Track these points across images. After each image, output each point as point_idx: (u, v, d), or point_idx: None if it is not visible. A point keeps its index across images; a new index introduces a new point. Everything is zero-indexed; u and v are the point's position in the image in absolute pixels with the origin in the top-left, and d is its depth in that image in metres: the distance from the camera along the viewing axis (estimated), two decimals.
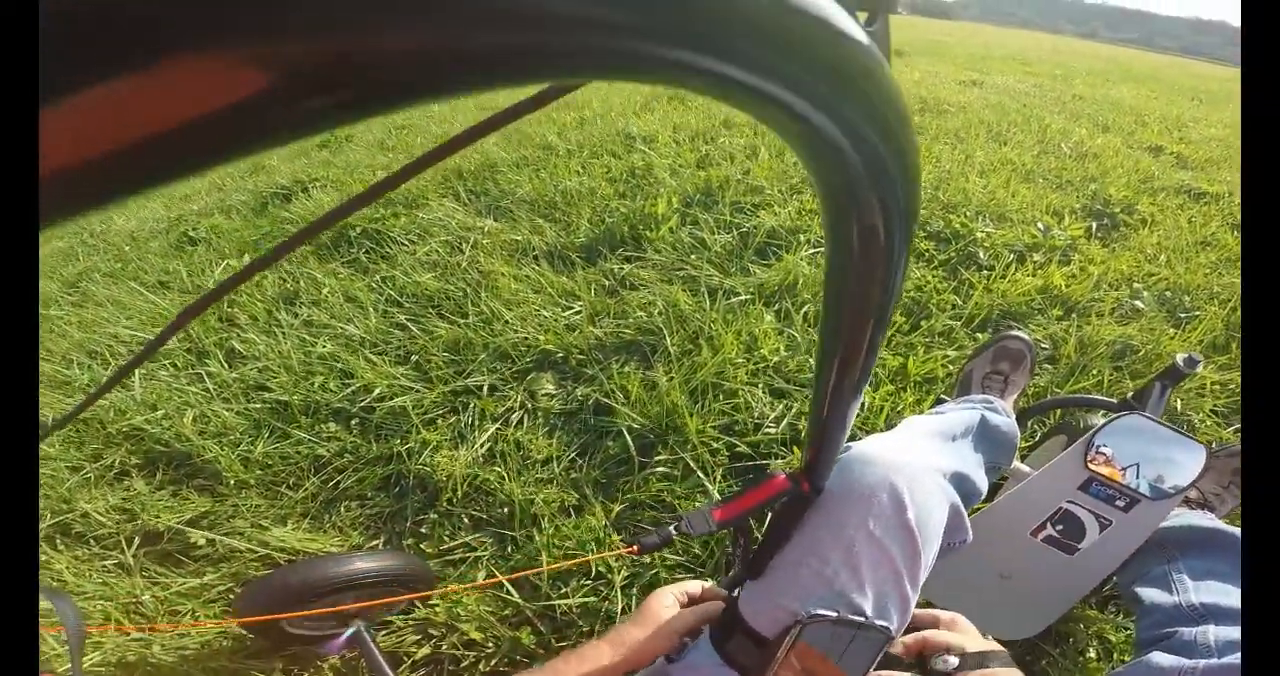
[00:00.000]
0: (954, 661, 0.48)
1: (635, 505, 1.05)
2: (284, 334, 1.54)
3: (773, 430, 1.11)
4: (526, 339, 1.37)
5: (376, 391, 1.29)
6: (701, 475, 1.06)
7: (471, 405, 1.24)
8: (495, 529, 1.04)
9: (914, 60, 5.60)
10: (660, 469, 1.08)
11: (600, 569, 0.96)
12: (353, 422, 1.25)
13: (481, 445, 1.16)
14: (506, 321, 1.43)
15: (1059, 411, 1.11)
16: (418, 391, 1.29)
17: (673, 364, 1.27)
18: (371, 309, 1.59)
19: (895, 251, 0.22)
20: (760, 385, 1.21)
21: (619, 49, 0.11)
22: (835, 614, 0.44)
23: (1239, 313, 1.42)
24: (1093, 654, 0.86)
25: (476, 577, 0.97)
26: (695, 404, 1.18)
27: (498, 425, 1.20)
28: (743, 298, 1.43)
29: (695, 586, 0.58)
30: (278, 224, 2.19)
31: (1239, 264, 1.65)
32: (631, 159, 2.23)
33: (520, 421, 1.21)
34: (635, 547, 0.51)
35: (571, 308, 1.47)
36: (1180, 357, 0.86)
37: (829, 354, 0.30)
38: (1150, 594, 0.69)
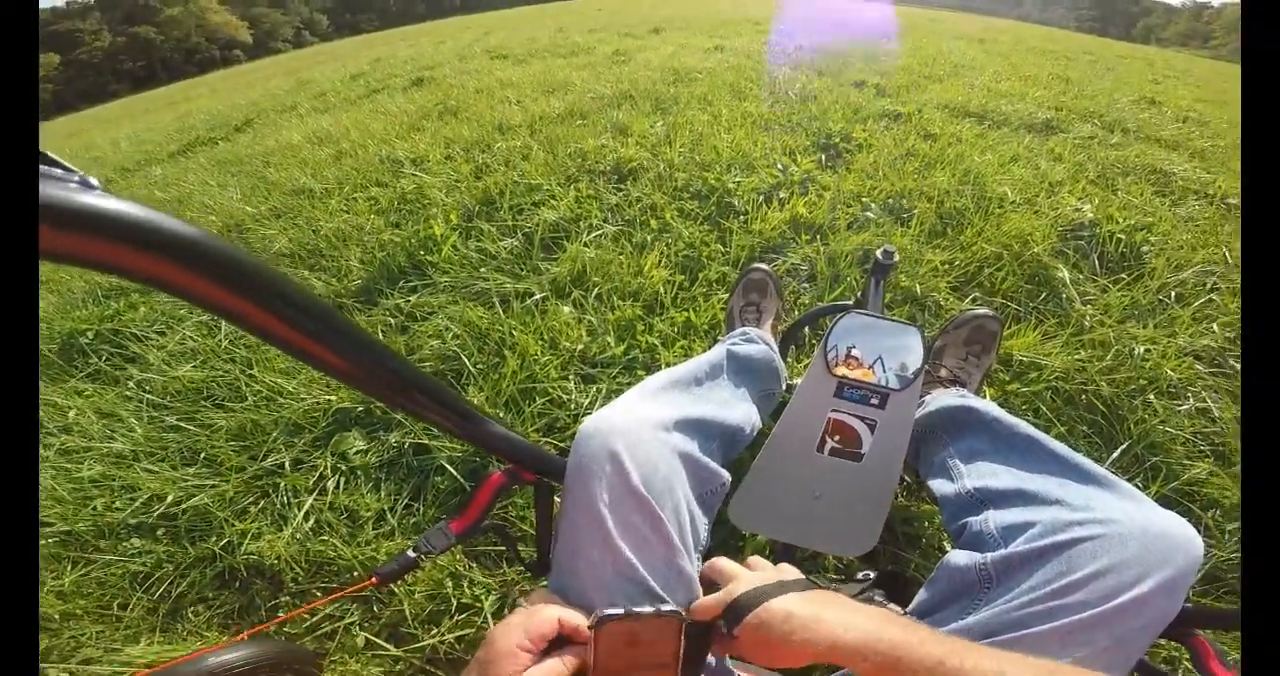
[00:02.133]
0: (723, 624, 0.46)
1: (484, 529, 1.03)
2: (40, 469, 1.27)
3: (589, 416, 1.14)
4: (318, 404, 1.27)
5: (169, 497, 1.15)
6: None
7: (280, 485, 1.14)
8: (354, 594, 0.99)
9: (669, 36, 5.97)
10: None
11: (465, 601, 0.95)
12: (158, 533, 1.12)
13: (304, 520, 1.08)
14: (290, 392, 1.30)
15: (825, 321, 1.24)
16: (215, 486, 1.16)
17: (480, 381, 1.25)
18: (134, 419, 1.36)
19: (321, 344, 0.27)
20: (570, 376, 1.24)
21: None
22: (622, 610, 0.43)
23: (945, 203, 1.73)
24: (946, 546, 0.89)
25: (356, 643, 0.93)
26: (511, 413, 1.18)
27: (314, 496, 1.11)
28: (538, 296, 1.44)
29: (546, 619, 0.45)
30: None
31: (935, 166, 2.01)
32: (400, 185, 2.12)
33: (338, 485, 1.13)
34: (374, 578, 0.49)
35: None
36: (879, 252, 0.95)
37: (414, 413, 0.38)
38: (939, 484, 0.71)
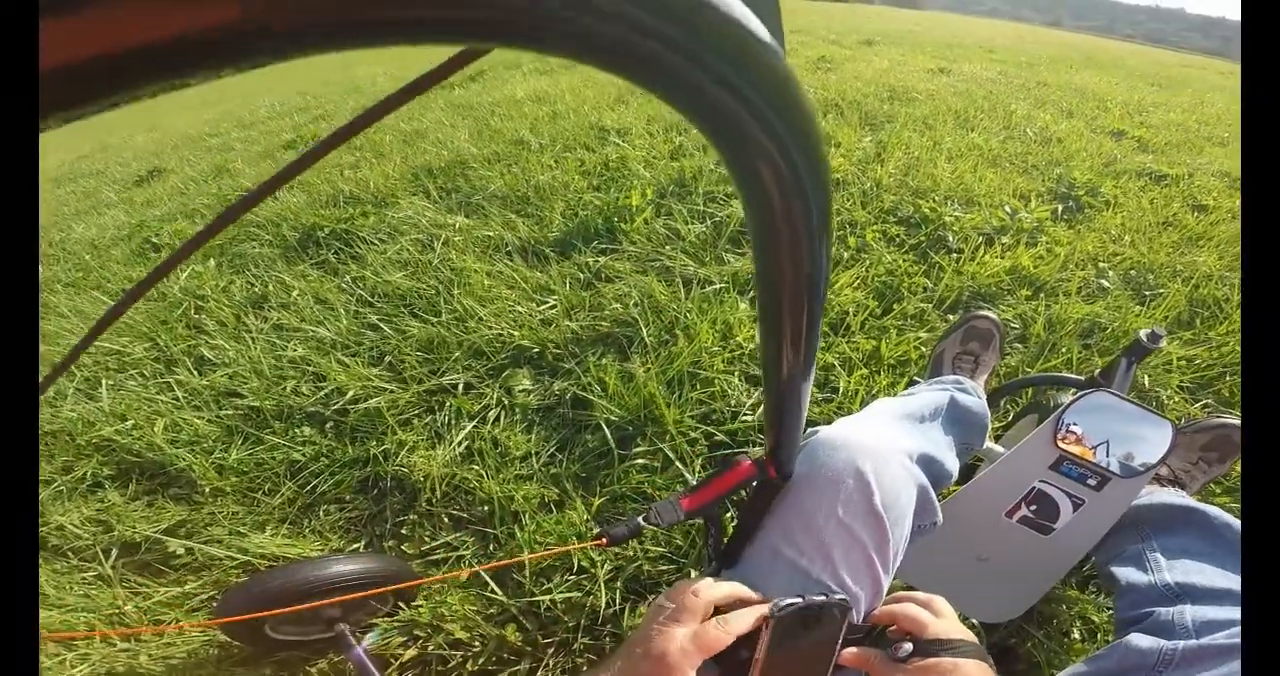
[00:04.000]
0: (907, 648, 0.45)
1: (616, 497, 1.05)
2: (253, 339, 1.51)
3: (749, 417, 1.12)
4: (501, 336, 1.36)
5: (350, 394, 1.27)
6: (680, 465, 1.06)
7: (447, 404, 1.23)
8: (476, 527, 1.03)
9: (883, 50, 5.63)
10: (639, 460, 1.08)
11: (583, 563, 0.95)
12: (327, 426, 1.23)
13: (459, 444, 1.15)
14: (480, 318, 1.42)
15: (1030, 391, 1.12)
16: (392, 392, 1.28)
17: (649, 355, 1.27)
18: (342, 310, 1.56)
19: (814, 224, 0.23)
20: (736, 373, 1.22)
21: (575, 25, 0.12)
22: (801, 599, 0.43)
23: (1202, 289, 1.46)
24: (1076, 634, 0.87)
25: (459, 578, 0.95)
26: (672, 394, 1.19)
27: (474, 423, 1.19)
28: (717, 286, 1.44)
29: (727, 589, 0.45)
30: (242, 227, 2.14)
31: (1199, 243, 1.70)
32: (605, 152, 2.22)
33: (497, 418, 1.20)
34: (604, 539, 0.51)
35: (546, 302, 1.46)
36: (1144, 333, 0.87)
37: (772, 336, 0.30)
38: (1126, 573, 0.69)
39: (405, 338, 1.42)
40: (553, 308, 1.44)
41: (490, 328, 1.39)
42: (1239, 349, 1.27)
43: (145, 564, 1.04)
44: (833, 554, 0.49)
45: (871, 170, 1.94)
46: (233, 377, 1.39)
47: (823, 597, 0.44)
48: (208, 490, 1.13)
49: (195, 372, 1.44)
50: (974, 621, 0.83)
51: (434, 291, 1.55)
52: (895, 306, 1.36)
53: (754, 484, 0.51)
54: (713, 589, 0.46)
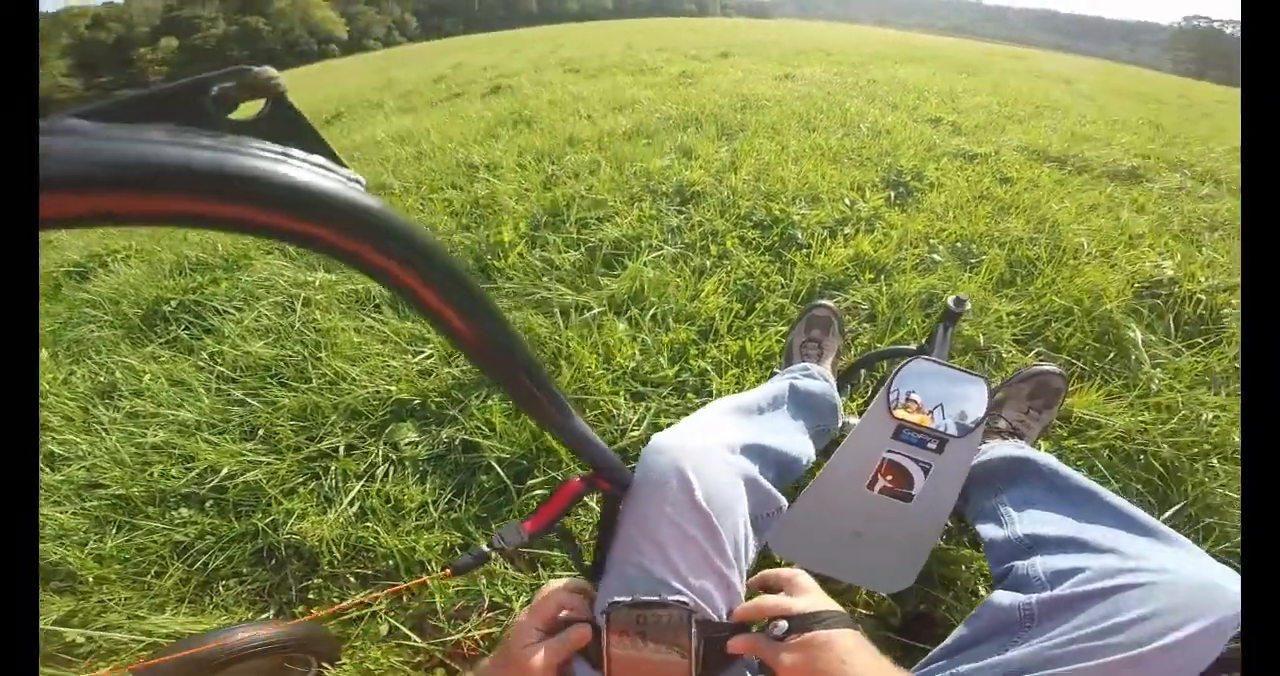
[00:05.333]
0: (783, 625, 0.49)
1: (551, 531, 1.05)
2: (106, 430, 1.36)
3: (636, 433, 1.15)
4: (378, 393, 1.31)
5: (225, 470, 1.20)
6: None
7: (331, 468, 1.18)
8: (385, 582, 1.01)
9: (738, 60, 6.03)
10: (538, 492, 1.09)
11: (496, 599, 0.96)
12: (206, 504, 1.17)
13: (350, 505, 1.11)
14: (354, 378, 1.36)
15: (886, 364, 1.20)
16: (269, 464, 1.21)
17: None
18: (203, 389, 1.44)
19: (458, 301, 0.28)
20: (621, 392, 1.25)
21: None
22: (629, 598, 0.46)
23: (1016, 251, 1.68)
24: (982, 591, 0.90)
25: (380, 631, 0.94)
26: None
27: (363, 482, 1.15)
28: (595, 311, 1.46)
29: (550, 599, 0.53)
30: (77, 308, 1.91)
31: (1009, 211, 1.95)
32: (474, 189, 2.21)
33: (386, 474, 1.17)
34: (449, 571, 0.52)
35: (422, 352, 1.43)
36: (951, 300, 0.97)
37: (513, 393, 0.35)
38: (987, 529, 0.73)
39: (276, 409, 1.34)
40: (429, 357, 1.41)
41: (365, 386, 1.33)
42: (1055, 300, 1.47)
43: (49, 656, 0.96)
44: (669, 552, 0.52)
45: (727, 179, 2.07)
46: (91, 469, 1.26)
47: (654, 598, 0.47)
48: (90, 579, 1.06)
49: (48, 469, 1.29)
50: (882, 594, 0.87)
51: (300, 357, 1.46)
52: (757, 305, 1.45)
53: (603, 498, 0.54)
54: (556, 591, 0.52)
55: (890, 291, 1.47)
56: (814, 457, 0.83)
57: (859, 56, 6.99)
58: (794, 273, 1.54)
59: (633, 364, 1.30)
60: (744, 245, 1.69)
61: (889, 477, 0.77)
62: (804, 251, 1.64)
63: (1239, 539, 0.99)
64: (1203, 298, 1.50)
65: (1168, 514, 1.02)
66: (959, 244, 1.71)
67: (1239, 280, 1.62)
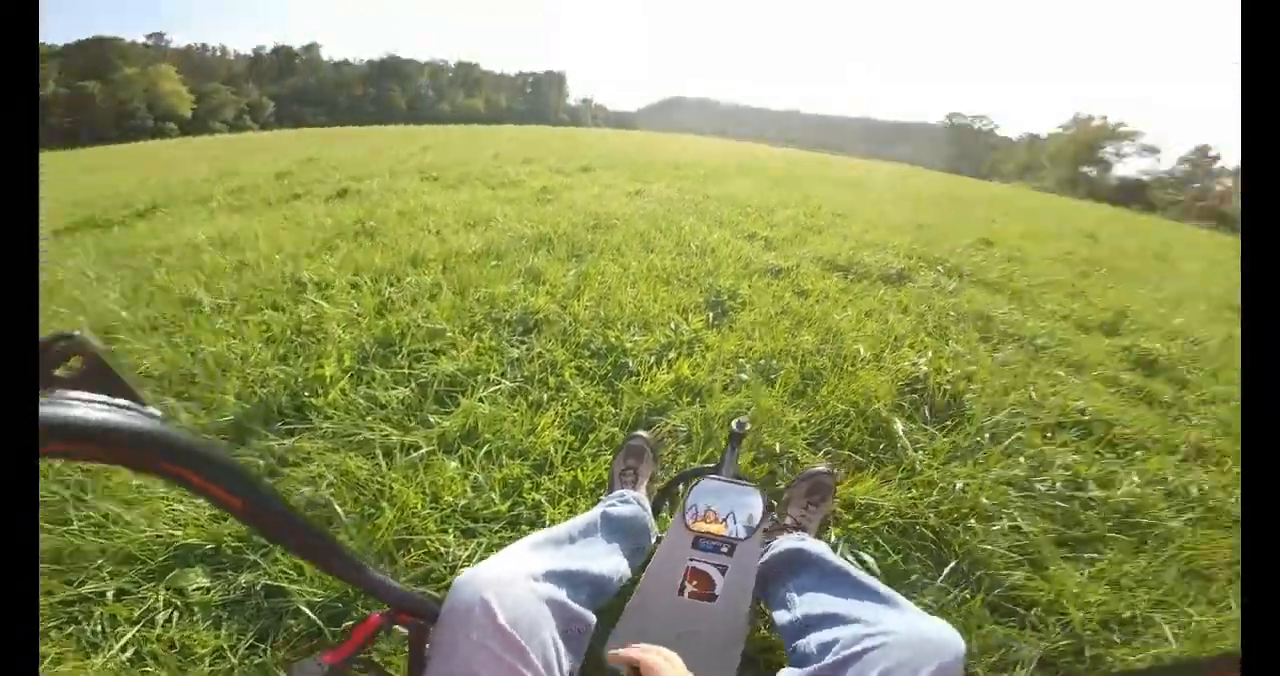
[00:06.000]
0: None
1: (352, 664, 0.97)
2: None
3: (467, 568, 1.14)
4: (159, 536, 1.18)
5: None
6: (402, 629, 1.03)
7: (96, 613, 1.03)
8: None
9: (598, 174, 6.53)
10: None
11: None
12: None
13: (121, 649, 0.98)
14: (127, 522, 1.21)
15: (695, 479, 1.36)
16: None
17: (352, 530, 1.22)
18: None
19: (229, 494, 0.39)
20: (451, 530, 1.23)
21: None
22: None
23: (807, 363, 1.97)
24: None
25: None
26: (382, 564, 1.16)
27: (138, 628, 1.01)
28: (424, 450, 1.44)
29: None
30: None
31: (803, 325, 2.29)
32: (298, 312, 2.10)
33: (169, 619, 1.04)
34: None
35: None
36: (734, 424, 1.17)
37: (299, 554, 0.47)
38: (779, 615, 0.85)
39: None
40: None
41: (142, 530, 1.19)
42: (837, 404, 1.73)
43: None
44: (479, 673, 0.58)
45: (571, 306, 2.20)
46: None
47: None
48: None
49: None
50: None
51: (58, 498, 1.26)
52: (590, 436, 1.53)
53: (410, 630, 0.61)
54: None
55: (704, 412, 1.64)
56: (628, 574, 0.92)
57: (701, 170, 7.96)
58: (624, 401, 1.66)
59: (463, 501, 1.29)
60: (581, 375, 1.79)
61: (694, 582, 0.89)
62: (633, 379, 1.77)
63: (1007, 583, 1.22)
64: (948, 387, 1.87)
65: (945, 572, 1.23)
66: (762, 361, 1.96)
67: (975, 367, 2.05)
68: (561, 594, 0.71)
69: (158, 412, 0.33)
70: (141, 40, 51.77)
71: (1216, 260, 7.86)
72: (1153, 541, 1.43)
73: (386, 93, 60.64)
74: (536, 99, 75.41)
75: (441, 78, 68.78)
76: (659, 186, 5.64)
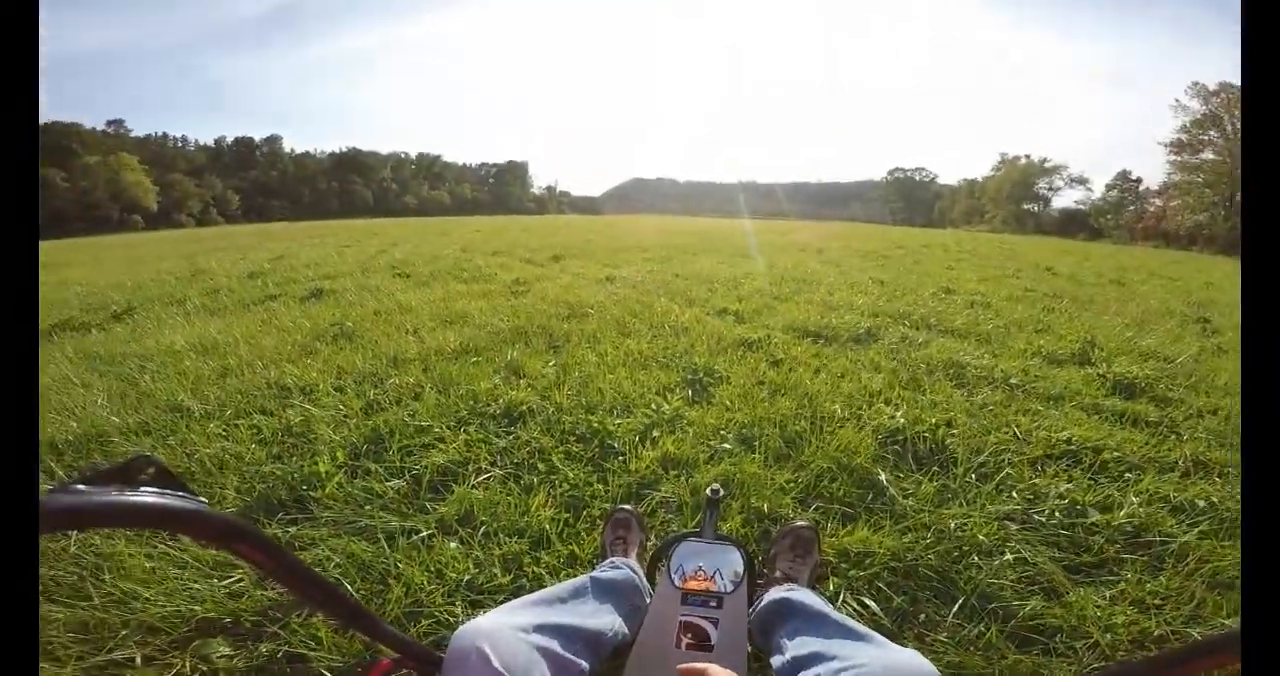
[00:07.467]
0: None
1: None
2: None
3: None
4: (178, 611, 1.20)
5: None
6: None
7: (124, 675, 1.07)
8: None
9: (569, 263, 6.81)
10: None
11: None
12: None
13: None
14: (147, 598, 1.24)
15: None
16: (45, 667, 1.08)
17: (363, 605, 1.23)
18: None
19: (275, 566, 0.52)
20: (458, 601, 1.26)
21: None
22: None
23: (788, 427, 2.04)
24: None
25: None
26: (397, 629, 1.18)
27: None
28: (425, 534, 1.47)
29: None
30: None
31: (780, 392, 2.40)
32: (287, 416, 2.12)
33: None
34: None
35: (230, 576, 1.32)
36: (709, 490, 1.25)
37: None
38: (775, 660, 0.91)
39: (49, 622, 1.18)
40: (239, 581, 1.30)
41: (161, 605, 1.21)
42: (821, 463, 1.79)
43: None
44: None
45: (553, 396, 2.29)
46: None
47: None
48: None
49: None
50: None
51: (75, 578, 1.29)
52: (584, 512, 1.57)
53: None
54: None
55: (690, 483, 1.70)
56: (624, 631, 0.98)
57: (667, 250, 8.37)
58: (612, 479, 1.71)
59: (467, 577, 1.32)
60: (569, 459, 1.84)
61: (689, 635, 0.95)
62: (620, 458, 1.84)
63: (1022, 613, 1.24)
64: (928, 435, 1.96)
65: (954, 608, 1.26)
66: (744, 430, 2.05)
67: (953, 413, 2.15)
68: (554, 644, 0.78)
69: (205, 501, 0.45)
70: (101, 127, 51.68)
71: (1172, 277, 8.40)
72: (1170, 559, 1.42)
73: (350, 185, 62.00)
74: (501, 188, 77.47)
75: (404, 170, 70.14)
76: (629, 270, 5.89)
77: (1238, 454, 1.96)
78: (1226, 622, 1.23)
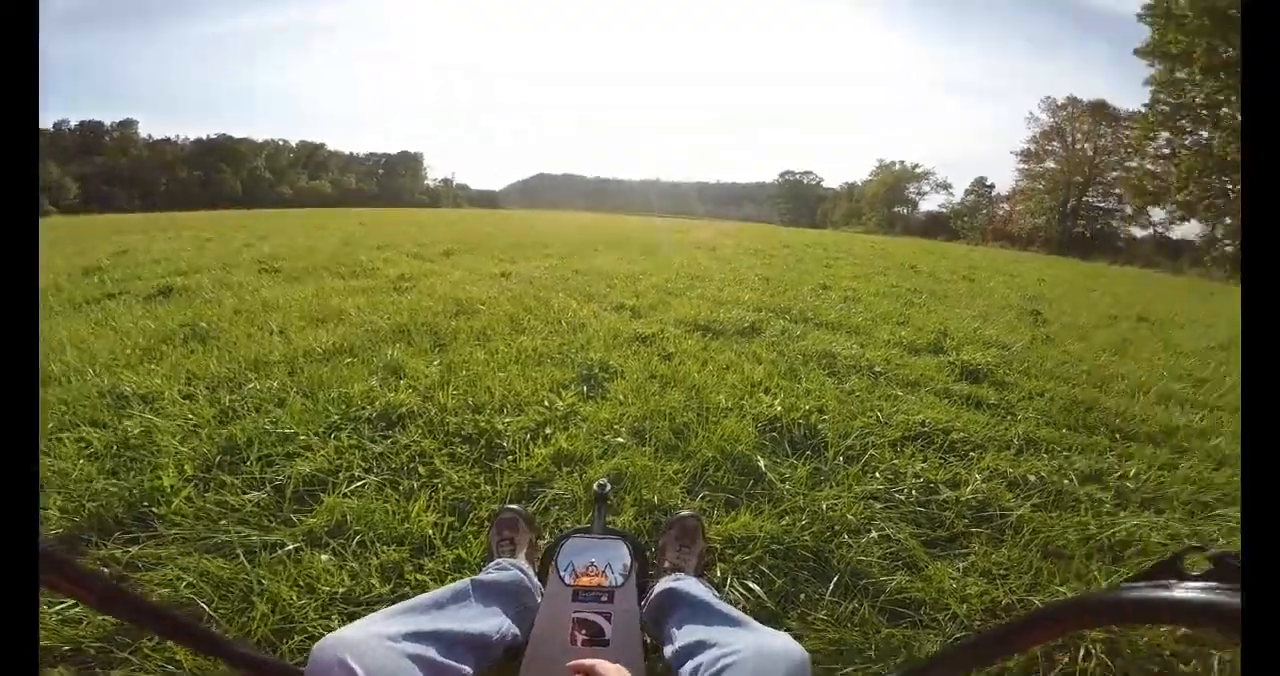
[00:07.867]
0: None
1: None
2: None
3: None
4: None
5: None
6: None
7: None
8: None
9: (460, 258, 6.54)
10: None
11: None
12: None
13: None
14: None
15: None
16: None
17: (225, 625, 1.16)
18: None
19: None
20: (334, 616, 1.19)
21: None
22: None
23: (677, 419, 2.12)
24: None
25: None
26: (268, 650, 1.12)
27: None
28: (290, 547, 1.36)
29: None
30: None
31: (670, 385, 2.48)
32: (124, 427, 1.86)
33: None
34: None
35: (61, 601, 1.18)
36: (595, 486, 1.27)
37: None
38: (668, 650, 0.92)
39: None
40: (73, 606, 1.15)
41: None
42: (706, 452, 1.88)
43: None
44: None
45: (436, 396, 2.19)
46: None
47: None
48: None
49: None
50: None
51: None
52: (470, 514, 1.53)
53: None
54: None
55: (585, 479, 1.71)
56: (513, 631, 0.96)
57: (568, 247, 8.28)
58: (501, 479, 1.68)
59: (341, 589, 1.25)
60: (453, 461, 1.78)
61: (583, 631, 0.94)
62: (510, 458, 1.80)
63: (890, 587, 1.32)
64: (802, 422, 2.12)
65: (829, 588, 1.34)
66: (636, 424, 2.09)
67: (824, 400, 2.33)
68: (431, 651, 0.77)
69: None
70: None
71: (1012, 274, 9.63)
72: (1009, 531, 1.55)
73: (216, 174, 55.12)
74: (391, 180, 71.45)
75: (281, 159, 63.44)
76: (527, 266, 5.77)
77: (1062, 432, 2.28)
78: (1062, 590, 1.35)
